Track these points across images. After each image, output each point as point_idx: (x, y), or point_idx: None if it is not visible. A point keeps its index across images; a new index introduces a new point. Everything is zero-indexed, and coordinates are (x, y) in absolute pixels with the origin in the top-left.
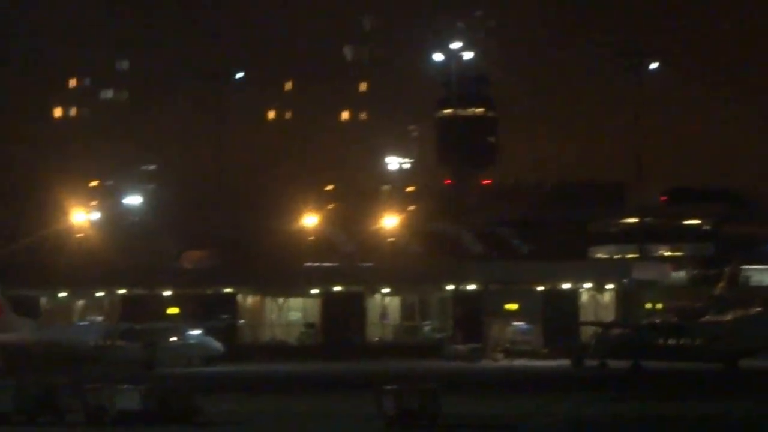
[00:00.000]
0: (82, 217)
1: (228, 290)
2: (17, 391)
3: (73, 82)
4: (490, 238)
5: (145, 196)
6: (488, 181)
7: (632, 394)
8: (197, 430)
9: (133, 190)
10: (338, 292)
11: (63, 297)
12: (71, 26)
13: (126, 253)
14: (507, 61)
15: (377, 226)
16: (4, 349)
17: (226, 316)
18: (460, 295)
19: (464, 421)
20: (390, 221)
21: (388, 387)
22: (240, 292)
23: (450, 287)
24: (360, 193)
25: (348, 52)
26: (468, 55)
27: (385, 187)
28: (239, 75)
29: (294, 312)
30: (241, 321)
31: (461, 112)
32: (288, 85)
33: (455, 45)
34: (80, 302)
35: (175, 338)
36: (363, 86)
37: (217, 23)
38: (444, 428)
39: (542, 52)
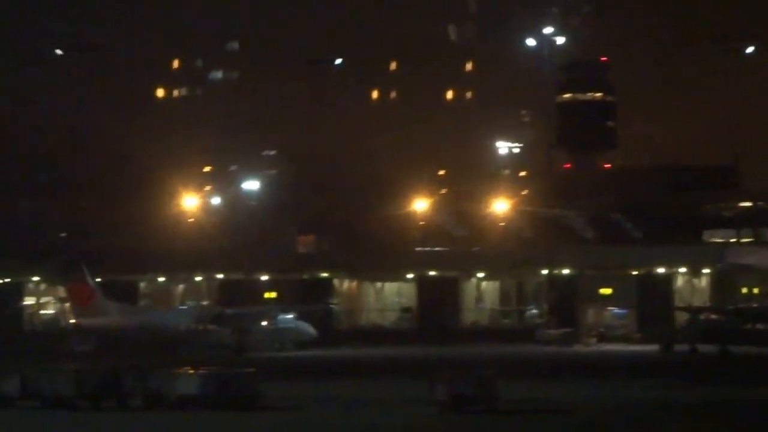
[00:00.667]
0: (193, 201)
1: (324, 275)
2: (79, 376)
3: (176, 64)
4: (602, 223)
5: (263, 180)
6: (608, 166)
7: (717, 379)
8: (253, 415)
9: (251, 174)
10: (433, 277)
11: (162, 282)
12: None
13: (240, 237)
14: (605, 48)
15: (488, 210)
16: (95, 333)
17: (332, 301)
18: (554, 280)
19: (522, 407)
20: (502, 206)
21: (441, 373)
22: (336, 277)
23: (544, 272)
24: (471, 176)
25: (452, 31)
26: (561, 40)
27: (502, 172)
28: (339, 60)
29: (391, 296)
30: (337, 305)
31: (580, 96)
32: (393, 66)
33: (549, 29)
34: (180, 287)
35: (266, 323)
36: (468, 66)
37: (321, 3)
38: (498, 413)
39: (642, 36)
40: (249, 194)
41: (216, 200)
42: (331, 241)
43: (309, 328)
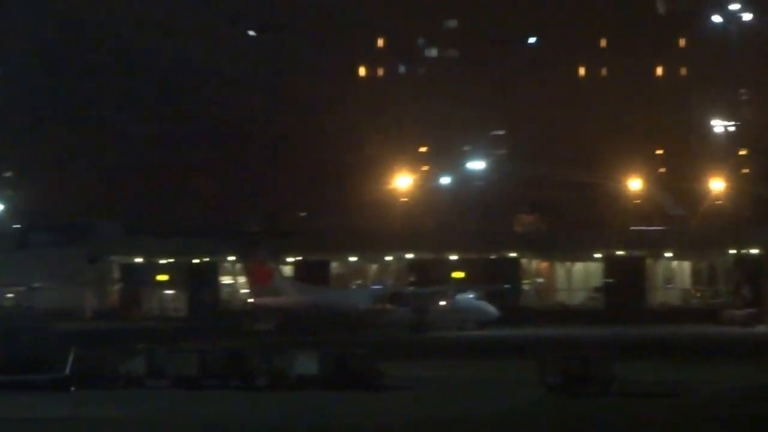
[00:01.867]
0: (407, 181)
1: (512, 254)
2: (203, 356)
3: (380, 42)
4: None
5: (490, 160)
6: None
7: None
8: (370, 395)
9: (478, 154)
10: (621, 256)
11: (353, 261)
12: None
13: (445, 216)
14: None
15: (705, 189)
16: (276, 311)
17: (521, 280)
18: (742, 260)
19: (639, 389)
20: (718, 184)
21: (551, 354)
22: (524, 257)
23: (732, 251)
24: (688, 154)
25: (660, 5)
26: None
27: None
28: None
29: (580, 276)
30: (528, 285)
31: None
32: (602, 42)
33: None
34: (374, 266)
35: (444, 302)
36: (681, 42)
37: None
38: (609, 396)
39: None
40: (474, 174)
41: (440, 180)
42: (549, 221)
43: (489, 308)
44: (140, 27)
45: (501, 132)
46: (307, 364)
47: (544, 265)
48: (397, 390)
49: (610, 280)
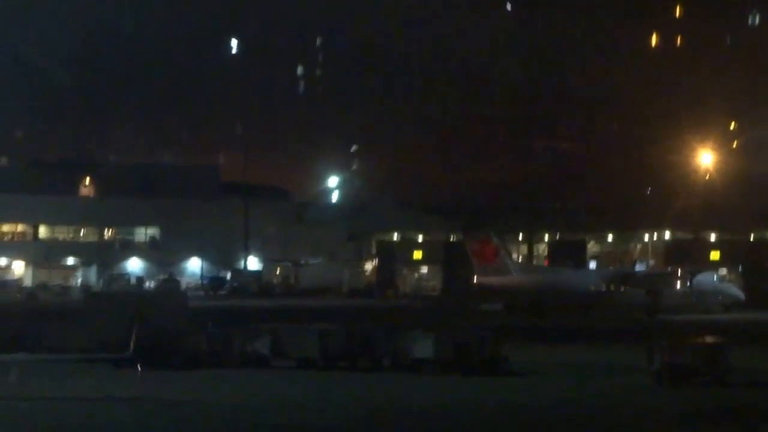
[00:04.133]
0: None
1: None
2: (325, 337)
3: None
4: None
5: None
6: None
7: None
8: (491, 380)
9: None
10: None
11: (611, 241)
12: None
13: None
14: None
15: None
16: (497, 291)
17: None
18: None
19: (759, 379)
20: None
21: (659, 341)
22: None
23: None
24: None
25: None
26: None
27: None
28: None
29: None
30: None
31: None
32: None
33: None
34: (633, 246)
35: (679, 285)
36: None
37: None
38: (722, 385)
39: None
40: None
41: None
42: None
43: (734, 290)
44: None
45: None
46: (422, 347)
47: None
48: (518, 376)
49: None
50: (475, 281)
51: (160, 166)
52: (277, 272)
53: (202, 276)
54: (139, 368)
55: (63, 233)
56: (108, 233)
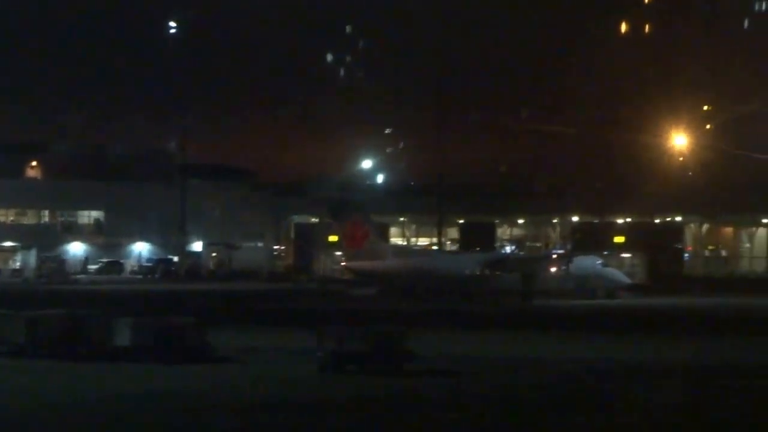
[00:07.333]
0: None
1: (678, 218)
2: (36, 324)
3: None
4: None
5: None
6: None
7: None
8: (183, 367)
9: None
10: None
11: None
12: None
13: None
14: None
15: None
16: (372, 276)
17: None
18: None
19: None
20: None
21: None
22: (691, 222)
23: None
24: None
25: None
26: None
27: None
28: None
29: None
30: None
31: None
32: None
33: None
34: (553, 231)
35: (555, 269)
36: None
37: None
38: (396, 374)
39: None
40: None
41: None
42: None
43: (616, 274)
44: None
45: None
46: (120, 335)
47: (709, 228)
48: (225, 363)
49: None
50: (344, 265)
51: (112, 150)
52: (212, 255)
53: (141, 258)
54: None
55: (2, 215)
56: (49, 216)
